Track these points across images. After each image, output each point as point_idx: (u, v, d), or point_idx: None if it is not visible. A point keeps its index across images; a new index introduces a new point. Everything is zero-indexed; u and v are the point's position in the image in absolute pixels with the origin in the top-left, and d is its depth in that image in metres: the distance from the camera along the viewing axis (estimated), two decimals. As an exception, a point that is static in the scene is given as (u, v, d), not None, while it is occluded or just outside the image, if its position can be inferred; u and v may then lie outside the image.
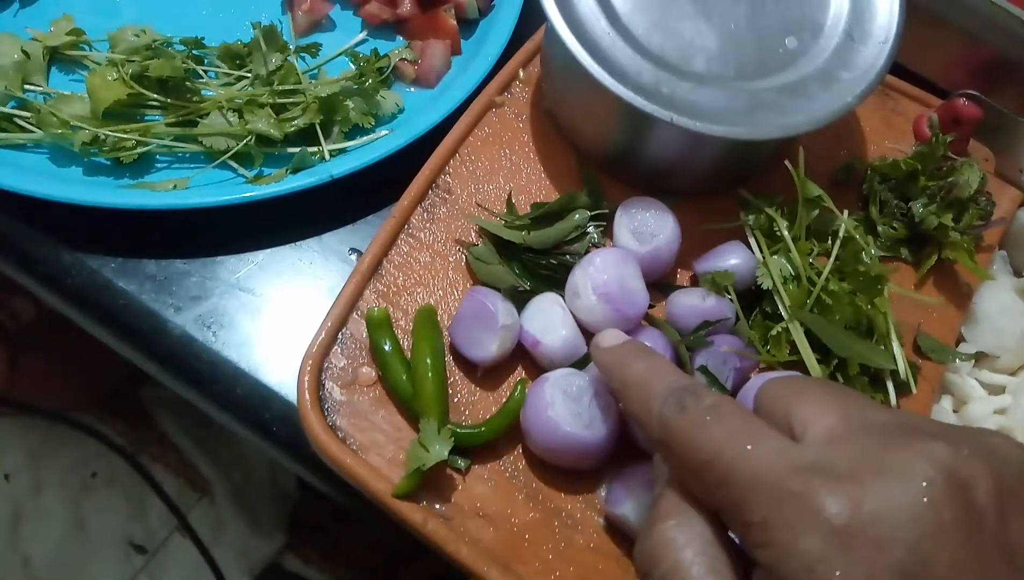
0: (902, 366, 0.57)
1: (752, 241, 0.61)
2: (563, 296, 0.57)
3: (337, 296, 0.56)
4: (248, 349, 0.61)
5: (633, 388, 0.42)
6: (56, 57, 0.70)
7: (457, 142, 0.64)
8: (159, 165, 0.66)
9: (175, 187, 0.63)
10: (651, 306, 0.57)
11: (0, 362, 1.28)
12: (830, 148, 0.68)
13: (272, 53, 0.69)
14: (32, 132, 0.64)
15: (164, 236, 0.64)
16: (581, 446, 0.50)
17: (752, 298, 0.60)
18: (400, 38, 0.76)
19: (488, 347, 0.54)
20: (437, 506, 0.51)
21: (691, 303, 0.57)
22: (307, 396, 0.53)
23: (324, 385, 0.54)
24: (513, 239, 0.59)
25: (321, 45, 0.72)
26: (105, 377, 1.46)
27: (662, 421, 0.38)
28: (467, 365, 0.56)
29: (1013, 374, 0.63)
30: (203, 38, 0.70)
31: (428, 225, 0.61)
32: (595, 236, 0.61)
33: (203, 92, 0.68)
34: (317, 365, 0.54)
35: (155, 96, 0.66)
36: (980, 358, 0.64)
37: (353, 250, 0.66)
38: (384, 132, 0.68)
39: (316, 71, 0.72)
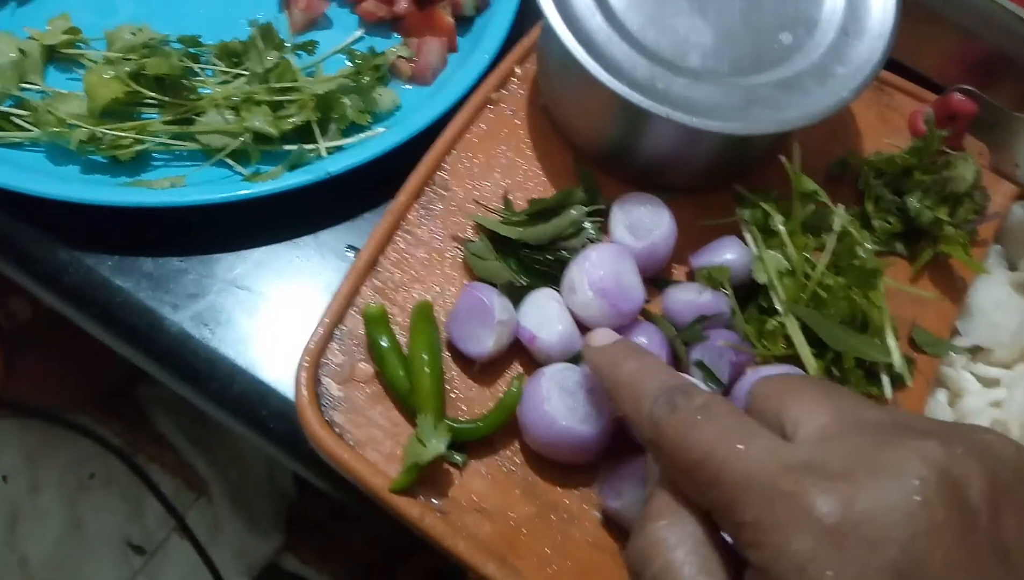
0: (897, 360, 0.57)
1: (748, 236, 0.61)
2: (559, 291, 0.57)
3: (334, 293, 0.57)
4: (245, 346, 0.61)
5: (624, 387, 0.42)
6: (53, 55, 0.70)
7: (454, 139, 0.64)
8: (156, 163, 0.66)
9: (172, 185, 0.63)
10: (647, 301, 0.57)
11: (-3, 362, 1.28)
12: (825, 144, 0.68)
13: (269, 51, 0.69)
14: (29, 130, 0.64)
15: (161, 234, 0.64)
16: (577, 440, 0.50)
17: (748, 293, 0.60)
18: (396, 36, 0.76)
19: (485, 342, 0.54)
20: (434, 501, 0.51)
21: (687, 298, 0.57)
22: (304, 392, 0.53)
23: (321, 381, 0.54)
24: (510, 235, 0.59)
25: (318, 43, 0.72)
26: (102, 377, 1.46)
27: (653, 421, 0.38)
28: (464, 360, 0.56)
29: (1008, 368, 0.63)
30: (200, 36, 0.70)
31: (425, 222, 0.61)
32: (591, 232, 0.61)
33: (200, 90, 0.68)
34: (314, 361, 0.54)
35: (152, 94, 0.66)
36: (975, 352, 0.64)
37: (350, 247, 0.66)
38: (381, 129, 0.68)
39: (313, 69, 0.72)
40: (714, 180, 0.65)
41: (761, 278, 0.59)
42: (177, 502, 1.45)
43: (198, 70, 0.69)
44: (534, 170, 0.65)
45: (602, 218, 0.61)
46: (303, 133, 0.67)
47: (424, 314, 0.56)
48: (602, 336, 0.47)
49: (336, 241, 0.66)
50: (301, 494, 1.46)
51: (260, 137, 0.65)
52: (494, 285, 0.57)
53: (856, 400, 0.37)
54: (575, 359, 0.55)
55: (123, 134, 0.64)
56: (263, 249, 0.65)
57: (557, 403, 0.51)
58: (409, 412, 0.53)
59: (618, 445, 0.52)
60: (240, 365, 0.61)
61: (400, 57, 0.73)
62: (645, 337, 0.56)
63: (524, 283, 0.58)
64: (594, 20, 0.58)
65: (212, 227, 0.64)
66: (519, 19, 0.74)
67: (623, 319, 0.55)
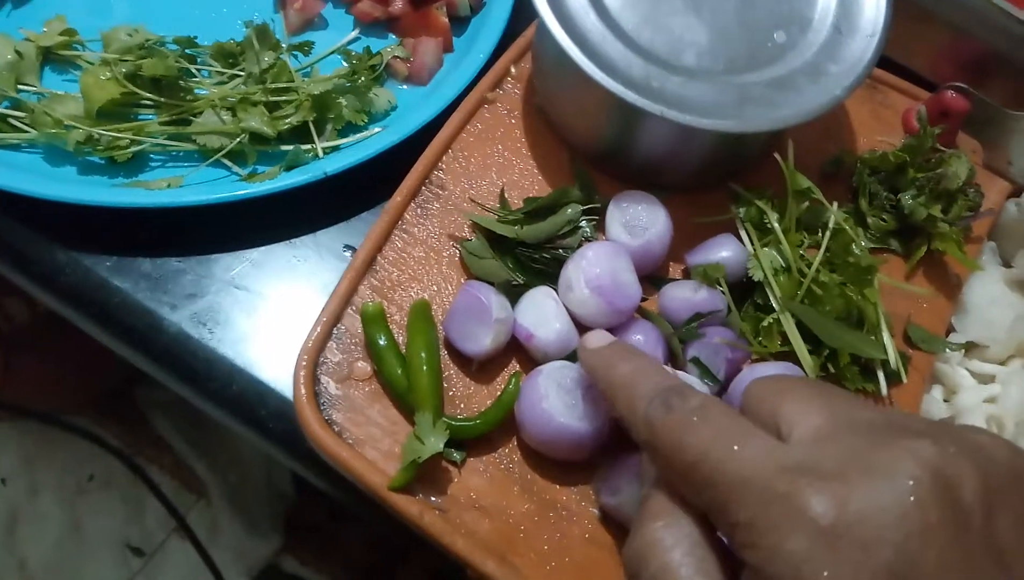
0: (893, 356, 0.58)
1: (743, 234, 0.62)
2: (556, 290, 0.57)
3: (332, 292, 0.57)
4: (244, 346, 0.62)
5: (619, 389, 0.42)
6: (49, 57, 0.70)
7: (450, 138, 0.64)
8: (153, 164, 0.66)
9: (169, 185, 0.63)
10: (644, 299, 0.58)
11: (-5, 365, 1.28)
12: (819, 142, 0.69)
13: (265, 51, 0.69)
14: (26, 132, 0.64)
15: (159, 234, 0.64)
16: (575, 437, 0.51)
17: (743, 290, 0.60)
18: (392, 36, 0.77)
19: (482, 341, 0.54)
20: (433, 499, 0.51)
21: (683, 296, 0.58)
22: (303, 391, 0.53)
23: (320, 380, 0.54)
24: (506, 234, 0.59)
25: (314, 43, 0.72)
26: (100, 379, 1.46)
27: (648, 422, 0.38)
28: (462, 359, 0.56)
29: (1003, 363, 0.64)
30: (196, 37, 0.70)
31: (422, 221, 0.61)
32: (587, 230, 0.61)
33: (196, 91, 0.68)
34: (313, 360, 0.54)
35: (148, 95, 0.66)
36: (970, 348, 0.64)
37: (347, 247, 0.66)
38: (377, 129, 0.68)
39: (309, 69, 0.72)
40: (709, 178, 0.65)
41: (757, 275, 0.59)
42: (176, 504, 1.45)
43: (194, 71, 0.70)
44: (530, 169, 0.65)
45: (598, 216, 0.62)
46: (300, 133, 0.67)
47: (422, 313, 0.56)
48: (597, 338, 0.47)
49: (333, 241, 0.66)
50: (300, 495, 1.46)
51: (257, 137, 0.65)
52: (491, 284, 0.57)
53: (850, 400, 0.37)
54: (572, 357, 0.55)
55: (120, 135, 0.64)
56: (261, 249, 0.65)
57: (555, 401, 0.51)
58: (407, 410, 0.54)
59: (616, 442, 0.52)
60: (239, 365, 0.61)
61: (396, 57, 0.73)
62: (642, 335, 0.56)
63: (521, 281, 0.58)
64: (588, 19, 0.59)
65: (210, 227, 0.64)
66: (514, 19, 0.74)
67: (620, 317, 0.56)
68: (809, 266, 0.59)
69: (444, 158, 0.64)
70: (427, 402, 0.52)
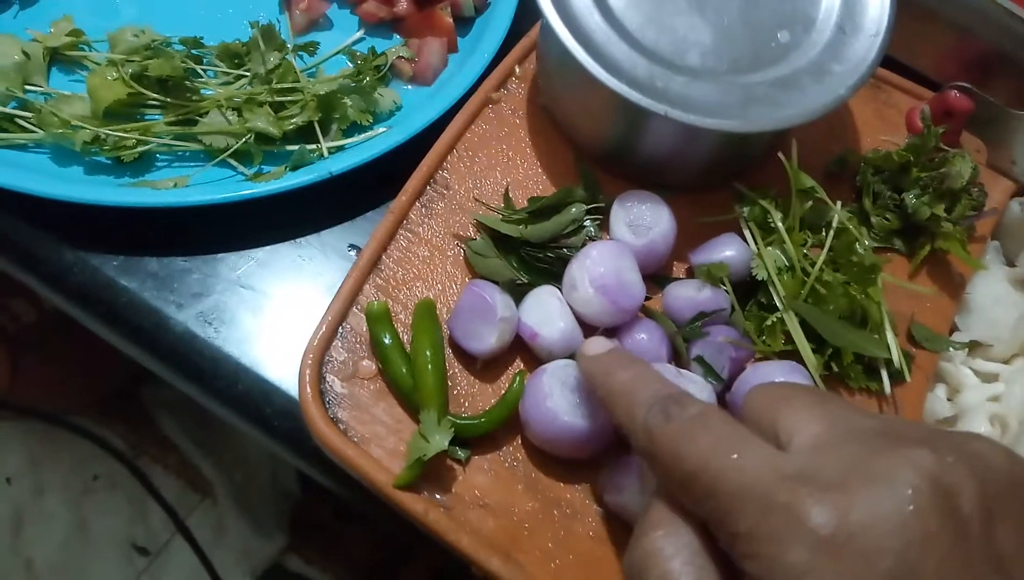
0: (896, 355, 0.58)
1: (747, 233, 0.62)
2: (560, 289, 0.57)
3: (337, 291, 0.57)
4: (249, 345, 0.62)
5: (618, 397, 0.42)
6: (56, 58, 0.71)
7: (454, 138, 0.64)
8: (159, 164, 0.67)
9: (175, 185, 0.63)
10: (648, 298, 0.58)
11: (1, 364, 1.29)
12: (823, 141, 0.69)
13: (270, 52, 0.69)
14: (33, 132, 0.65)
15: (165, 234, 0.65)
16: (579, 436, 0.51)
17: (747, 289, 0.60)
18: (397, 36, 0.77)
19: (487, 339, 0.55)
20: (438, 496, 0.52)
21: (687, 295, 0.58)
22: (308, 389, 0.53)
23: (325, 378, 0.55)
24: (511, 233, 0.59)
25: (319, 44, 0.73)
26: (106, 379, 1.47)
27: (647, 430, 0.38)
28: (466, 358, 0.57)
29: (1006, 363, 0.64)
30: (202, 38, 0.71)
31: (426, 220, 0.61)
32: (592, 230, 0.61)
33: (202, 91, 0.68)
34: (318, 359, 0.55)
35: (155, 95, 0.66)
36: (974, 347, 0.64)
37: (352, 246, 0.66)
38: (382, 129, 0.68)
39: (314, 69, 0.72)
40: (713, 178, 0.65)
41: (760, 275, 0.59)
42: (181, 504, 1.46)
43: (200, 71, 0.70)
44: (534, 169, 0.65)
45: (602, 216, 0.62)
46: (305, 133, 0.67)
47: (427, 312, 0.56)
48: (596, 345, 0.47)
49: (338, 240, 0.66)
50: (305, 494, 1.47)
51: (262, 137, 0.66)
52: (496, 283, 0.57)
53: (849, 408, 0.37)
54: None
55: (126, 135, 0.64)
56: (266, 248, 0.65)
57: (559, 399, 0.51)
58: (412, 409, 0.54)
59: (620, 441, 0.53)
60: (244, 363, 0.61)
61: (401, 57, 0.73)
62: (645, 334, 0.56)
63: (525, 281, 0.59)
64: (593, 19, 0.59)
65: (215, 227, 0.65)
66: (518, 19, 0.74)
67: (624, 316, 0.56)
68: (813, 265, 0.59)
69: (449, 158, 0.64)
70: (432, 400, 0.52)
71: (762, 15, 0.62)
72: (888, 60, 0.64)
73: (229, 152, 0.65)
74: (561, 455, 0.53)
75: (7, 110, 0.65)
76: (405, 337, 0.56)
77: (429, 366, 0.53)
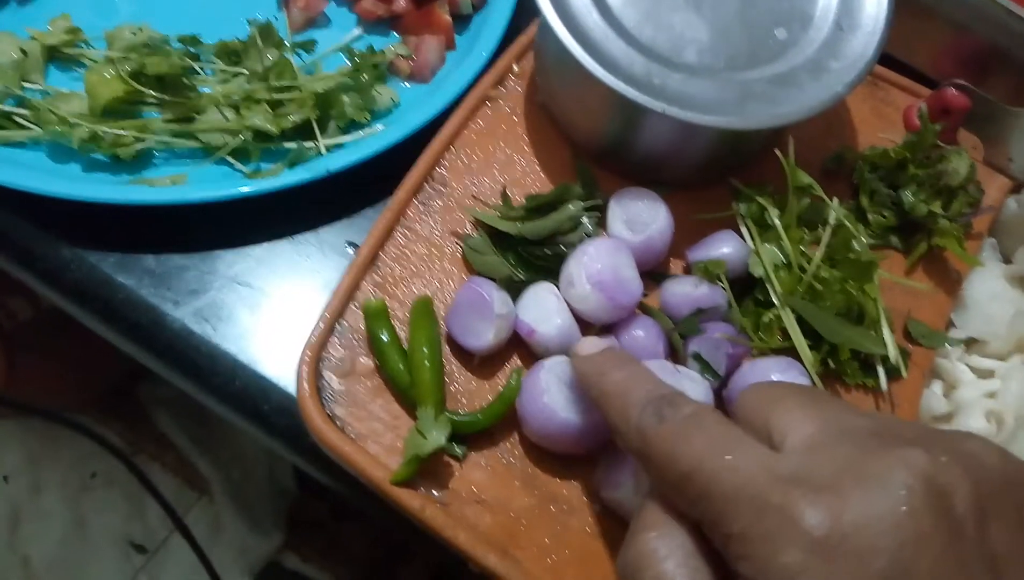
0: (893, 351, 0.58)
1: (744, 230, 0.62)
2: (558, 286, 0.57)
3: (335, 288, 0.57)
4: (247, 342, 0.62)
5: (611, 397, 0.41)
6: (54, 55, 0.71)
7: (452, 136, 0.64)
8: (157, 161, 0.67)
9: (173, 183, 0.63)
10: (645, 295, 0.58)
11: (-2, 362, 1.29)
12: (821, 138, 0.69)
13: (268, 49, 0.69)
14: (31, 129, 0.65)
15: (162, 231, 0.65)
16: (576, 431, 0.51)
17: (744, 286, 0.61)
18: (395, 34, 0.77)
19: (484, 336, 0.55)
20: (435, 492, 0.52)
21: (684, 291, 0.58)
22: (306, 386, 0.53)
23: (322, 375, 0.55)
24: (508, 230, 0.59)
25: (316, 41, 0.73)
26: (103, 376, 1.47)
27: (640, 431, 0.38)
28: (463, 354, 0.57)
29: (1003, 359, 0.64)
30: (200, 35, 0.71)
31: (424, 217, 0.61)
32: (589, 226, 0.61)
33: (200, 89, 0.68)
34: (315, 355, 0.55)
35: (153, 93, 0.66)
36: (970, 343, 0.64)
37: (350, 243, 0.66)
38: (380, 127, 0.68)
39: (312, 67, 0.72)
40: (710, 175, 0.65)
41: (757, 271, 0.59)
42: (179, 501, 1.46)
43: (198, 69, 0.70)
44: (532, 166, 0.65)
45: (599, 213, 0.62)
46: (303, 131, 0.67)
47: (424, 309, 0.56)
48: (589, 345, 0.47)
49: (336, 238, 0.67)
50: (302, 492, 1.47)
51: (260, 135, 0.66)
52: (493, 280, 0.57)
53: (841, 408, 0.37)
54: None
55: (124, 133, 0.64)
56: (264, 246, 0.65)
57: (556, 395, 0.51)
58: (409, 405, 0.54)
59: (616, 437, 0.53)
60: (241, 361, 0.61)
61: (399, 55, 0.73)
62: (642, 330, 0.56)
63: (523, 278, 0.59)
64: (591, 17, 0.59)
65: (213, 224, 0.65)
66: (516, 16, 0.74)
67: (621, 312, 0.56)
68: (810, 262, 0.59)
69: (446, 155, 0.64)
70: (429, 397, 0.52)
71: (759, 12, 0.62)
72: (885, 57, 0.65)
73: (227, 149, 0.65)
74: (558, 451, 0.53)
75: (5, 108, 0.65)
76: (402, 334, 0.56)
77: (426, 363, 0.53)
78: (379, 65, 0.71)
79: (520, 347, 0.57)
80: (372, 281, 0.58)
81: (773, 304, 0.59)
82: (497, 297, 0.55)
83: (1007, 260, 0.69)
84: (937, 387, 0.63)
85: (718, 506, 0.33)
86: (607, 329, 0.57)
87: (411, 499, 0.51)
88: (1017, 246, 0.68)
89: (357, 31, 0.76)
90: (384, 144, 0.65)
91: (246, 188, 0.62)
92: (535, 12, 0.59)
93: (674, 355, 0.57)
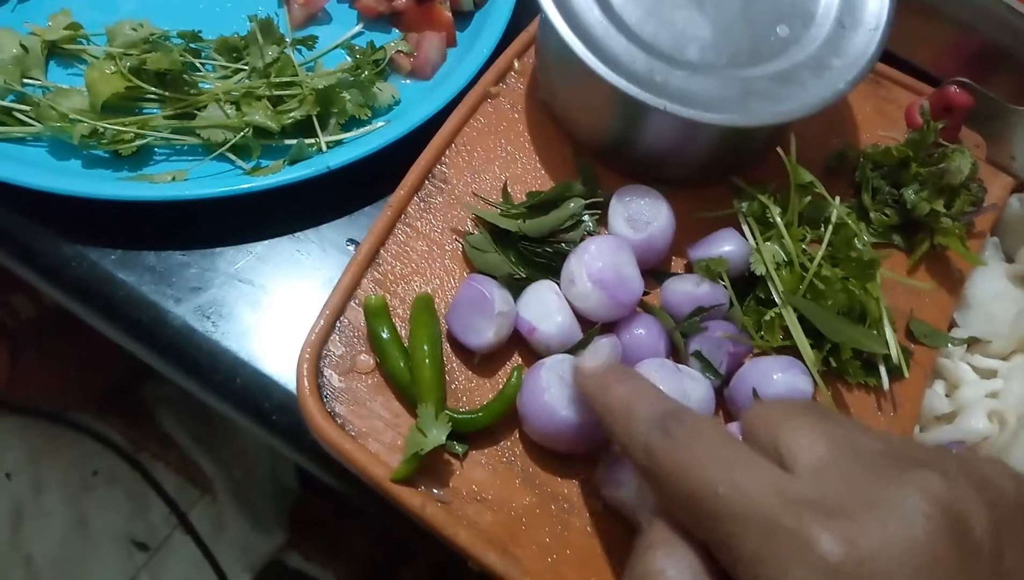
0: (894, 351, 0.58)
1: (745, 228, 0.62)
2: (559, 283, 0.57)
3: (335, 285, 0.57)
4: (247, 339, 0.62)
5: (616, 413, 0.41)
6: (54, 51, 0.71)
7: (453, 133, 0.64)
8: (158, 157, 0.67)
9: (174, 179, 0.63)
10: (646, 293, 0.58)
11: (0, 360, 1.29)
12: (823, 136, 0.69)
13: (269, 46, 0.69)
14: (31, 125, 0.65)
15: (163, 228, 0.65)
16: (577, 430, 0.51)
17: (746, 284, 0.60)
18: (396, 30, 0.77)
19: (485, 334, 0.54)
20: (435, 491, 0.52)
21: (685, 290, 0.58)
22: (306, 383, 0.53)
23: (323, 372, 0.54)
24: (509, 228, 0.59)
25: (317, 38, 0.72)
26: (106, 374, 1.47)
27: (647, 449, 0.37)
28: (464, 352, 0.57)
29: (1005, 359, 0.64)
30: (200, 31, 0.71)
31: (425, 215, 0.61)
32: (590, 224, 0.61)
33: (200, 85, 0.68)
34: (316, 353, 0.55)
35: (153, 89, 0.66)
36: (972, 343, 0.64)
37: (351, 241, 0.66)
38: (380, 124, 0.68)
39: (312, 63, 0.72)
40: (712, 173, 0.65)
41: (759, 270, 0.59)
42: (181, 499, 1.46)
43: (198, 65, 0.70)
44: (533, 163, 0.65)
45: (601, 210, 0.62)
46: (303, 127, 0.67)
47: (425, 306, 0.56)
48: (592, 360, 0.46)
49: (337, 235, 0.66)
50: (304, 491, 1.47)
51: (260, 131, 0.66)
52: (494, 277, 0.57)
53: (850, 426, 0.36)
54: (574, 350, 0.55)
55: (124, 129, 0.64)
56: (264, 243, 0.65)
57: (557, 394, 0.51)
58: (410, 403, 0.54)
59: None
60: (242, 358, 0.61)
61: (399, 52, 0.73)
62: (644, 328, 0.56)
63: (523, 275, 0.59)
64: (592, 14, 0.59)
65: (214, 221, 0.65)
66: (517, 13, 0.74)
67: (622, 310, 0.56)
68: (811, 260, 0.59)
69: (447, 152, 0.64)
70: (429, 395, 0.52)
71: (761, 9, 0.61)
72: (888, 55, 0.64)
73: (227, 146, 0.65)
74: (559, 450, 0.53)
75: (5, 104, 0.66)
76: (403, 331, 0.56)
77: (427, 360, 0.53)
78: (380, 62, 0.71)
79: (521, 345, 0.57)
80: (373, 278, 0.58)
81: (775, 303, 0.58)
82: (498, 295, 0.54)
83: (1010, 259, 0.69)
84: (939, 387, 0.63)
85: (727, 527, 0.32)
86: (608, 327, 0.57)
87: (411, 497, 0.51)
88: (1020, 245, 0.68)
89: (358, 27, 0.76)
90: (385, 141, 0.65)
91: (247, 185, 0.62)
92: (536, 9, 0.59)
93: (675, 354, 0.57)
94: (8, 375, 1.32)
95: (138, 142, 0.64)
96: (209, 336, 0.62)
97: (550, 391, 0.51)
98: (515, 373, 0.54)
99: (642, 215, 0.59)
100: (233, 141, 0.65)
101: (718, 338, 0.56)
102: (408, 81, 0.74)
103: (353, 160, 0.64)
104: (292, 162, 0.65)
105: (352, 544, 1.44)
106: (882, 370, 0.58)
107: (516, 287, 0.57)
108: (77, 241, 0.64)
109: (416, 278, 0.59)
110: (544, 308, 0.56)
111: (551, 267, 0.59)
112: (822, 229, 0.61)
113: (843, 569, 0.29)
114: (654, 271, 0.61)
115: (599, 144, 0.65)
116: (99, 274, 0.63)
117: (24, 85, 0.67)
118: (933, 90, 0.69)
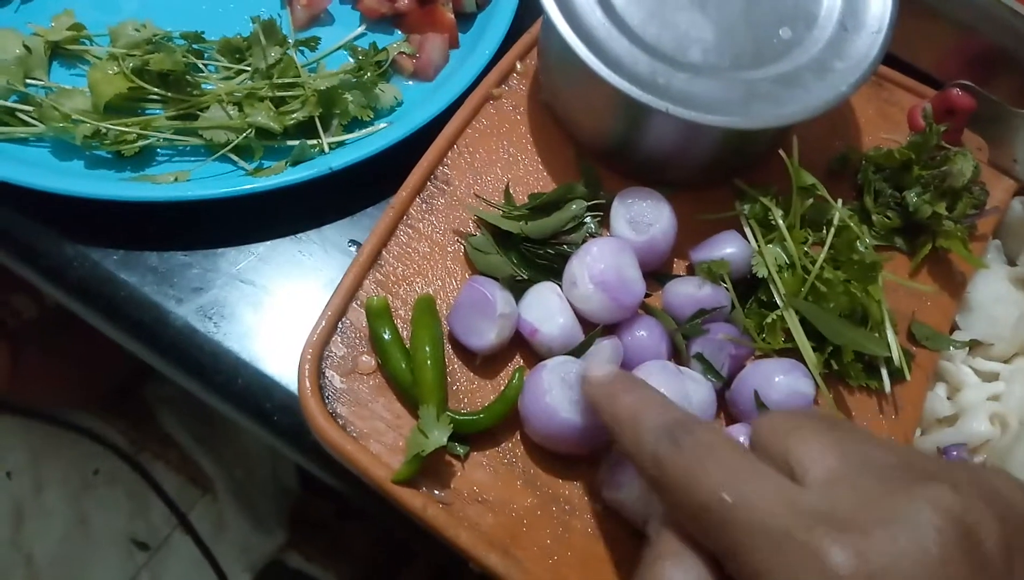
0: (896, 353, 0.58)
1: (747, 230, 0.62)
2: (560, 285, 0.57)
3: (337, 286, 0.57)
4: (249, 340, 0.62)
5: (624, 423, 0.41)
6: (57, 52, 0.71)
7: (455, 134, 0.64)
8: (160, 158, 0.67)
9: (176, 180, 0.63)
10: (648, 295, 0.58)
11: (2, 359, 1.29)
12: (825, 139, 0.69)
13: (271, 47, 0.69)
14: (34, 126, 0.65)
15: (165, 228, 0.65)
16: (578, 432, 0.51)
17: (748, 287, 0.60)
18: (398, 32, 0.77)
19: (487, 335, 0.54)
20: (436, 492, 0.52)
21: (687, 292, 0.58)
22: (308, 384, 0.53)
23: (324, 373, 0.54)
24: (511, 229, 0.59)
25: (320, 39, 0.73)
26: (107, 375, 1.47)
27: (655, 459, 0.37)
28: (466, 354, 0.57)
29: (1007, 362, 0.64)
30: (203, 32, 0.71)
31: (427, 216, 0.61)
32: (592, 226, 0.61)
33: (203, 86, 0.68)
34: (317, 354, 0.55)
35: (156, 90, 0.66)
36: (974, 346, 0.64)
37: (352, 242, 0.66)
38: (383, 125, 0.68)
39: (315, 65, 0.72)
40: (714, 175, 0.65)
41: (761, 272, 0.59)
42: (182, 499, 1.46)
43: (201, 66, 0.70)
44: (535, 165, 0.65)
45: (603, 212, 0.62)
46: (306, 128, 0.67)
47: (426, 307, 0.56)
48: (600, 370, 0.46)
49: (339, 236, 0.66)
50: (305, 492, 1.47)
51: (263, 132, 0.66)
52: (496, 279, 0.57)
53: (859, 437, 0.36)
54: (576, 352, 0.55)
55: (127, 129, 0.64)
56: (266, 243, 0.65)
57: (558, 395, 0.51)
58: (411, 404, 0.54)
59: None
60: (244, 358, 0.61)
61: (402, 53, 0.73)
62: (645, 331, 0.56)
63: (525, 277, 0.59)
64: (595, 16, 0.59)
65: (216, 222, 0.65)
66: (520, 15, 0.74)
67: (624, 312, 0.56)
68: (813, 263, 0.59)
69: (449, 154, 0.64)
70: (431, 396, 0.52)
71: (764, 11, 0.61)
72: (890, 58, 0.64)
73: (230, 147, 0.65)
74: (560, 451, 0.53)
75: (8, 104, 0.66)
76: (405, 333, 0.56)
77: (428, 362, 0.53)
78: (382, 63, 0.72)
79: (522, 347, 0.57)
80: (374, 279, 0.58)
81: (776, 305, 0.58)
82: (500, 296, 0.54)
83: (1012, 262, 0.69)
84: (941, 390, 0.63)
85: (737, 538, 0.32)
86: (609, 329, 0.57)
87: (413, 498, 0.51)
88: (1022, 248, 0.68)
89: (360, 29, 0.76)
90: (387, 142, 0.65)
91: (249, 186, 0.62)
92: (539, 11, 0.59)
93: (677, 356, 0.57)
94: (9, 375, 1.32)
95: (141, 143, 0.64)
96: (211, 337, 0.62)
97: (552, 393, 0.51)
98: (517, 375, 0.54)
99: (644, 217, 0.59)
100: (235, 142, 0.65)
101: (720, 340, 0.56)
102: (410, 82, 0.74)
103: (355, 161, 0.64)
104: (294, 163, 0.65)
105: (353, 545, 1.44)
106: (884, 373, 0.58)
107: (518, 289, 0.57)
108: (79, 241, 0.64)
109: (418, 279, 0.59)
110: (546, 310, 0.56)
111: (553, 269, 0.59)
112: (824, 231, 0.61)
113: None
114: (656, 273, 0.61)
115: (601, 146, 0.65)
116: (101, 274, 0.63)
117: (27, 85, 0.67)
118: (935, 93, 0.69)
